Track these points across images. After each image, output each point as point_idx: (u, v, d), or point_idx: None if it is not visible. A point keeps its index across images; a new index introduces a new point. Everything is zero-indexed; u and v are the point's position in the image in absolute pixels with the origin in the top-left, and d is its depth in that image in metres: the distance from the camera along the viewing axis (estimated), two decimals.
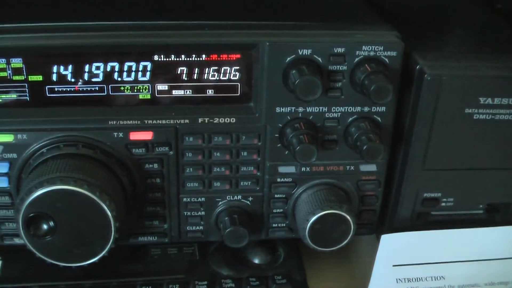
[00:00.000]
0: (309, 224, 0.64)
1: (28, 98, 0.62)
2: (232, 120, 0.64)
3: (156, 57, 0.62)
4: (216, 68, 0.63)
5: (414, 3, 0.79)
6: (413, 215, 0.70)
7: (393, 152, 0.68)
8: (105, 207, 0.59)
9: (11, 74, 0.61)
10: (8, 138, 0.62)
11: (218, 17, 0.64)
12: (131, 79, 0.63)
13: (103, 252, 0.61)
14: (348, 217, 0.64)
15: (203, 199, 0.67)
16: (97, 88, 0.63)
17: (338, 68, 0.62)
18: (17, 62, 0.60)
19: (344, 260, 0.76)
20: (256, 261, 0.72)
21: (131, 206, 0.65)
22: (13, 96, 0.62)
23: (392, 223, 0.70)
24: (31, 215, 0.58)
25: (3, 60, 0.60)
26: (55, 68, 0.61)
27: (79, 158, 0.62)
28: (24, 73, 0.61)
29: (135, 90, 0.63)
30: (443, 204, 0.69)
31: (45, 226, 0.59)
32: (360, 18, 0.66)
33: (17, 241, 0.66)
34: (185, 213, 0.68)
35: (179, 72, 0.63)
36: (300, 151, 0.62)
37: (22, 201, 0.58)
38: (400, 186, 0.68)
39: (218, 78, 0.63)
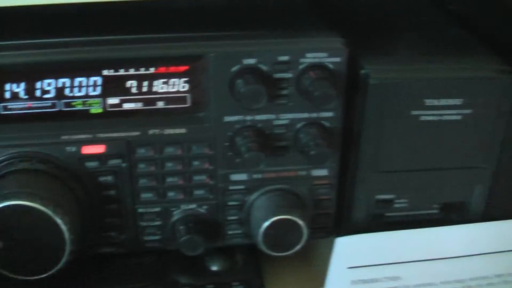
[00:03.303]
0: (262, 230, 0.65)
1: None
2: (183, 130, 0.65)
3: (105, 72, 0.63)
4: (165, 80, 0.64)
5: (364, 8, 0.80)
6: (368, 217, 0.70)
7: (345, 155, 0.68)
8: (59, 220, 0.60)
9: None
10: None
11: (164, 30, 0.64)
12: (82, 94, 0.64)
13: (59, 265, 0.62)
14: (299, 221, 0.65)
15: (158, 209, 0.68)
16: (49, 104, 0.64)
17: (283, 76, 0.63)
18: None
19: (304, 264, 0.76)
20: (215, 268, 0.73)
21: (88, 219, 0.66)
22: None
23: (348, 226, 0.71)
24: None
25: None
26: (7, 86, 0.62)
27: (32, 173, 0.63)
28: None
29: (87, 105, 0.64)
30: (397, 205, 0.70)
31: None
32: (305, 25, 0.67)
33: None
34: (142, 223, 0.68)
35: (129, 85, 0.64)
36: (248, 159, 0.63)
37: None
38: (353, 189, 0.69)
39: (167, 90, 0.64)
